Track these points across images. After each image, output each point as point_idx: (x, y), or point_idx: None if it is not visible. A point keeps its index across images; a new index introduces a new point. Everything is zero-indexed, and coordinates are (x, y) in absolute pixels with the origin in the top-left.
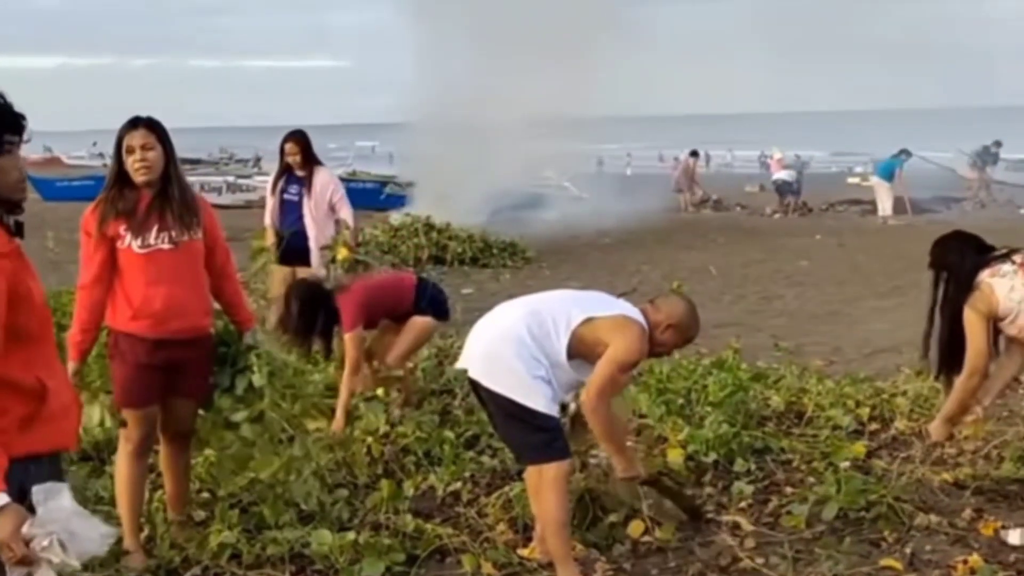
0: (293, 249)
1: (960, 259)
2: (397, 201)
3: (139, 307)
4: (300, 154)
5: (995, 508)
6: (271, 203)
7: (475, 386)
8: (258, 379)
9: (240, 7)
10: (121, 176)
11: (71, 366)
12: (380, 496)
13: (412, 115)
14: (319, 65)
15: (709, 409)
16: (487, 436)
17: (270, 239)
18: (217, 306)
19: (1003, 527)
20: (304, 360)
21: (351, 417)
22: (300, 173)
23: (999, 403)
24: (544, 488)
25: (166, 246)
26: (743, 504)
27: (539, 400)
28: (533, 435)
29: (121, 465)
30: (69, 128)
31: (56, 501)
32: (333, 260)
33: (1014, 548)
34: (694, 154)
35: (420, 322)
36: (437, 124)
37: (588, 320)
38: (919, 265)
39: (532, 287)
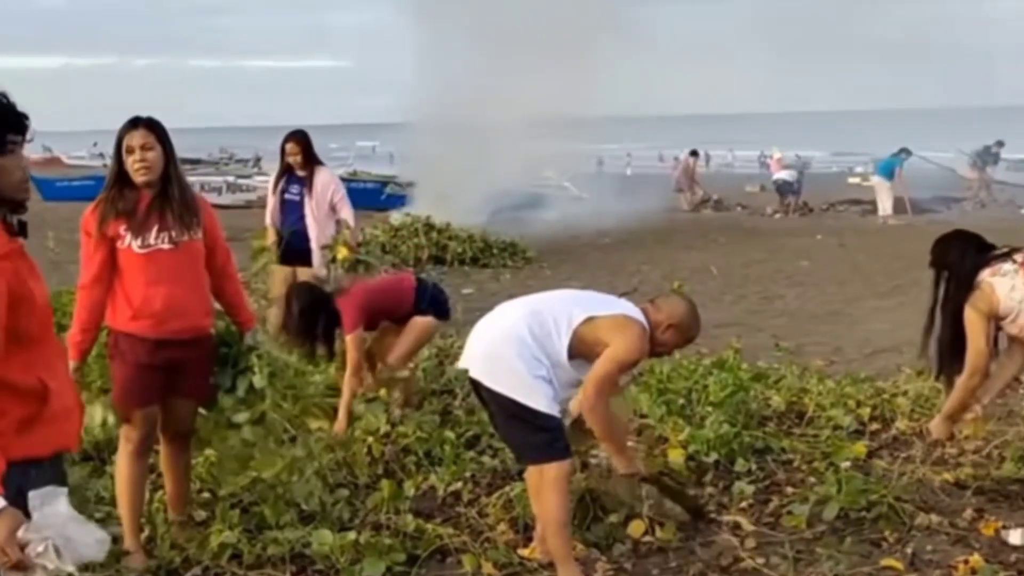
0: (294, 249)
1: (961, 258)
2: (397, 201)
3: (139, 307)
4: (301, 154)
5: (996, 508)
6: (272, 203)
7: (476, 386)
8: (259, 380)
9: (240, 7)
10: (121, 176)
11: (71, 366)
12: (381, 496)
13: (412, 115)
14: (319, 65)
15: (710, 409)
16: (488, 436)
17: (270, 238)
18: (218, 306)
19: (1004, 527)
20: (306, 361)
21: (352, 417)
22: (301, 173)
23: (999, 403)
24: (545, 488)
25: (166, 246)
26: (744, 504)
27: (540, 400)
28: (534, 435)
29: (121, 465)
30: (69, 128)
31: (52, 507)
32: (333, 260)
33: (1015, 548)
34: (694, 154)
35: (421, 322)
36: (437, 124)
37: (589, 319)
38: (919, 265)
39: (532, 287)
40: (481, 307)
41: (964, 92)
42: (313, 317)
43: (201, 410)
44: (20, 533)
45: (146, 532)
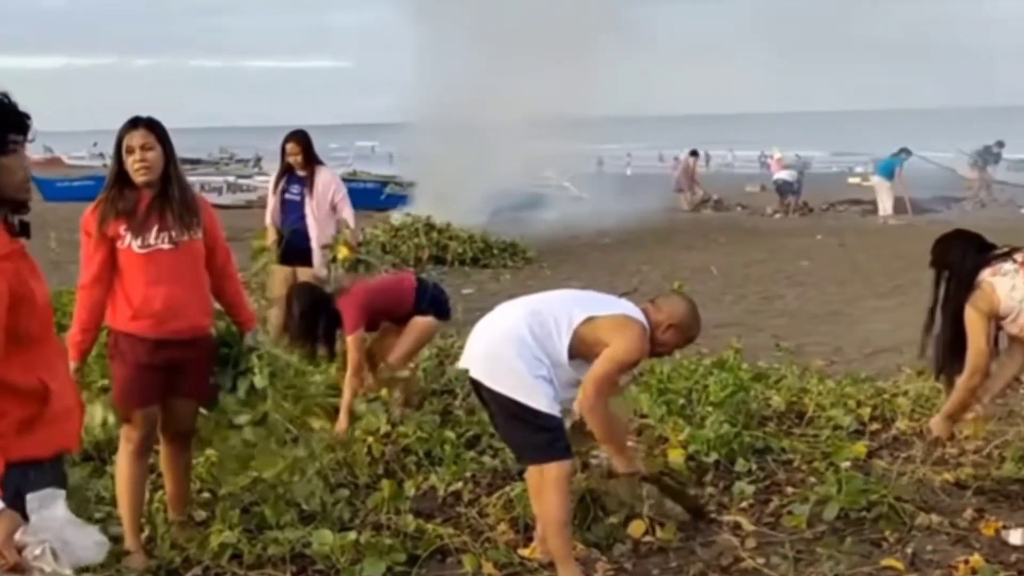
0: (294, 249)
1: (961, 258)
2: (398, 201)
3: (139, 307)
4: (302, 154)
5: (996, 508)
6: (272, 202)
7: (477, 386)
8: (259, 381)
9: (241, 7)
10: (121, 176)
11: (71, 366)
12: (381, 496)
13: (412, 115)
14: (319, 65)
15: (710, 409)
16: (488, 436)
17: (271, 238)
18: (218, 306)
19: (1004, 527)
20: (307, 362)
21: (352, 417)
22: (301, 173)
23: (1000, 403)
24: (546, 488)
25: (166, 246)
26: (744, 504)
27: (541, 400)
28: (535, 435)
29: (122, 465)
30: (70, 128)
31: (50, 509)
32: (334, 259)
33: (1015, 548)
34: (694, 154)
35: (422, 322)
36: (437, 124)
37: (589, 319)
38: (920, 265)
39: (532, 287)
40: (481, 307)
41: (964, 92)
42: (314, 318)
43: (202, 410)
44: (18, 536)
45: (146, 532)
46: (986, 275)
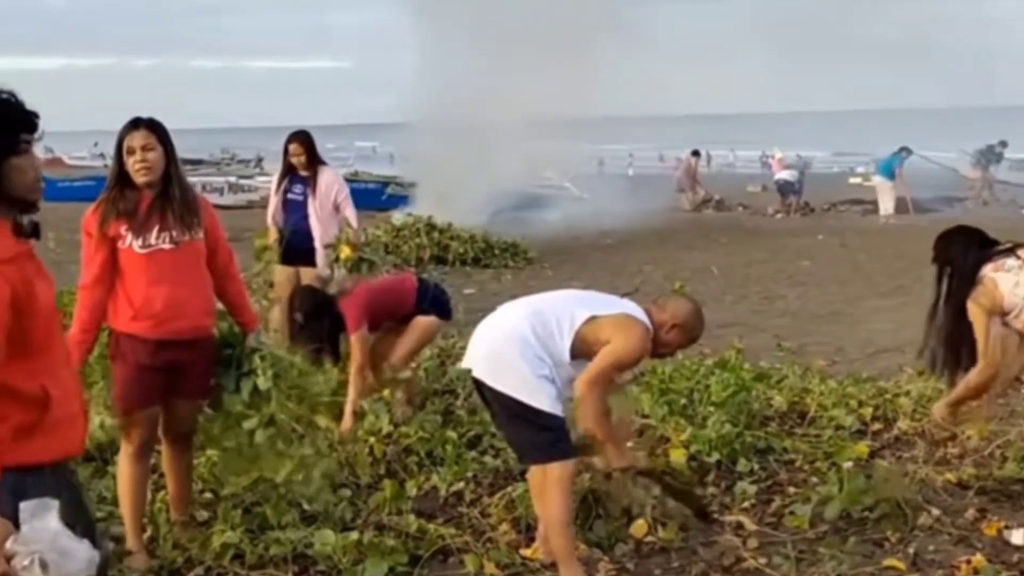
0: (295, 249)
1: (963, 253)
2: (399, 201)
3: (140, 307)
4: (304, 154)
5: (998, 508)
6: (274, 202)
7: (479, 386)
8: (263, 382)
9: (241, 7)
10: (122, 177)
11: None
12: (383, 496)
13: (413, 115)
14: (320, 66)
15: (712, 409)
16: (490, 436)
17: (272, 236)
18: (220, 307)
19: (1006, 527)
20: (310, 363)
21: (356, 417)
22: (304, 173)
23: (1001, 403)
24: (548, 488)
25: (167, 246)
26: (746, 504)
27: (543, 400)
28: (538, 435)
29: (123, 466)
30: (70, 128)
31: (42, 520)
32: (337, 259)
33: (1017, 548)
34: (696, 154)
35: (423, 322)
36: (438, 124)
37: (591, 319)
38: (921, 264)
39: (534, 287)
40: (483, 307)
41: (965, 92)
42: (318, 322)
43: (208, 410)
44: (8, 544)
45: (148, 532)
46: (988, 271)
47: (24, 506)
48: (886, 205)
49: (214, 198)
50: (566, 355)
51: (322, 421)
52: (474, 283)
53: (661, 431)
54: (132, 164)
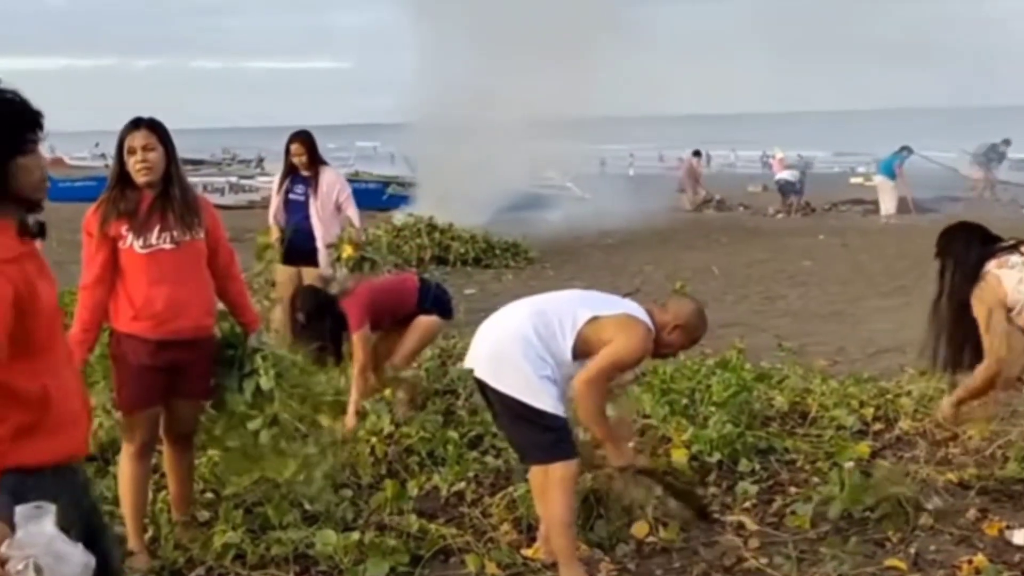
0: (297, 249)
1: (966, 249)
2: (400, 201)
3: (141, 307)
4: (306, 154)
5: (1000, 508)
6: (275, 202)
7: (482, 386)
8: (265, 382)
9: (241, 8)
10: (123, 177)
11: None
12: (384, 496)
13: (414, 116)
14: (320, 66)
15: (713, 409)
16: (491, 436)
17: (274, 236)
18: (222, 308)
19: (1008, 527)
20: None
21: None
22: (306, 173)
23: (1003, 403)
24: (551, 488)
25: (168, 246)
26: (747, 504)
27: (546, 400)
28: (541, 435)
29: (124, 466)
30: (72, 129)
31: (37, 524)
32: (339, 258)
33: (1019, 548)
34: (697, 154)
35: (425, 321)
36: (439, 124)
37: (593, 320)
38: (922, 264)
39: (535, 288)
40: (484, 307)
41: (967, 92)
42: (320, 322)
43: (211, 411)
44: (3, 548)
45: (150, 532)
46: (992, 267)
47: (20, 510)
48: (887, 205)
49: (215, 198)
50: (568, 355)
51: (325, 420)
52: (475, 283)
53: (662, 431)
54: (133, 164)
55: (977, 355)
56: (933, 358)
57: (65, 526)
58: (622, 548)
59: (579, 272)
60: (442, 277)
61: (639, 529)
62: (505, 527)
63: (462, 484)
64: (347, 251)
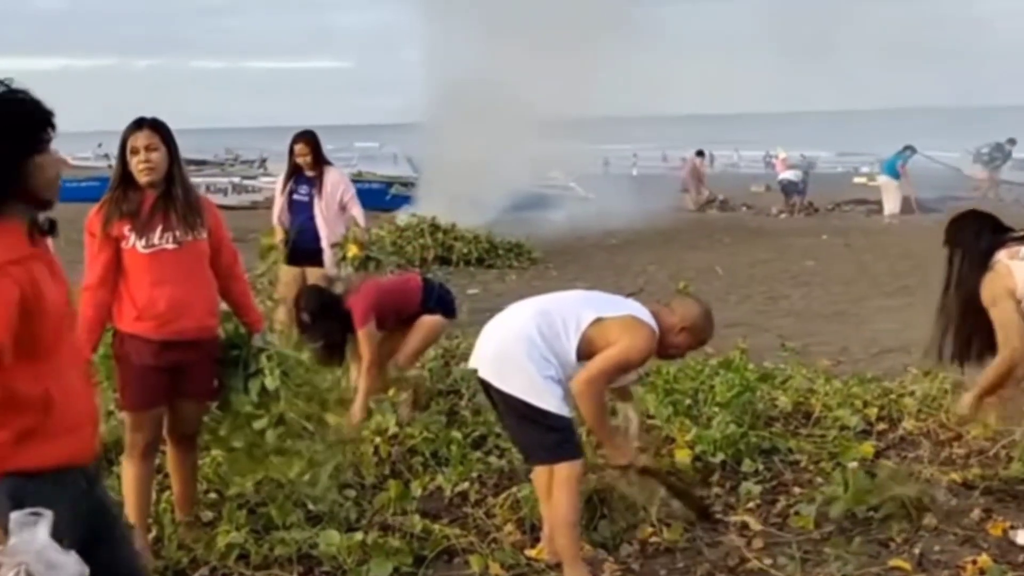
0: (301, 250)
1: (976, 237)
2: (402, 201)
3: (143, 308)
4: (311, 154)
5: (1004, 508)
6: (279, 203)
7: (486, 386)
8: (271, 382)
9: (242, 8)
10: (125, 177)
11: None
12: (388, 497)
13: (418, 116)
14: (322, 66)
15: (716, 409)
16: (494, 436)
17: (278, 237)
18: (225, 308)
19: (1012, 527)
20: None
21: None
22: (310, 173)
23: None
24: (556, 488)
25: (170, 246)
26: (751, 504)
27: (550, 401)
28: (545, 435)
29: (128, 466)
30: (74, 129)
31: (31, 532)
32: (344, 258)
33: (1023, 548)
34: (700, 154)
35: (429, 321)
36: (442, 124)
37: (598, 321)
38: (926, 264)
39: (538, 288)
40: (487, 307)
41: (970, 91)
42: (324, 321)
43: (217, 411)
44: None
45: (153, 533)
46: (1002, 257)
47: (15, 516)
48: (891, 205)
49: (218, 199)
50: (572, 356)
51: (331, 418)
52: (478, 283)
53: (666, 431)
54: (135, 164)
55: (985, 346)
56: (940, 349)
57: (60, 534)
58: (626, 548)
59: (582, 272)
60: (445, 277)
61: (642, 529)
62: (509, 527)
63: (466, 484)
64: (352, 251)
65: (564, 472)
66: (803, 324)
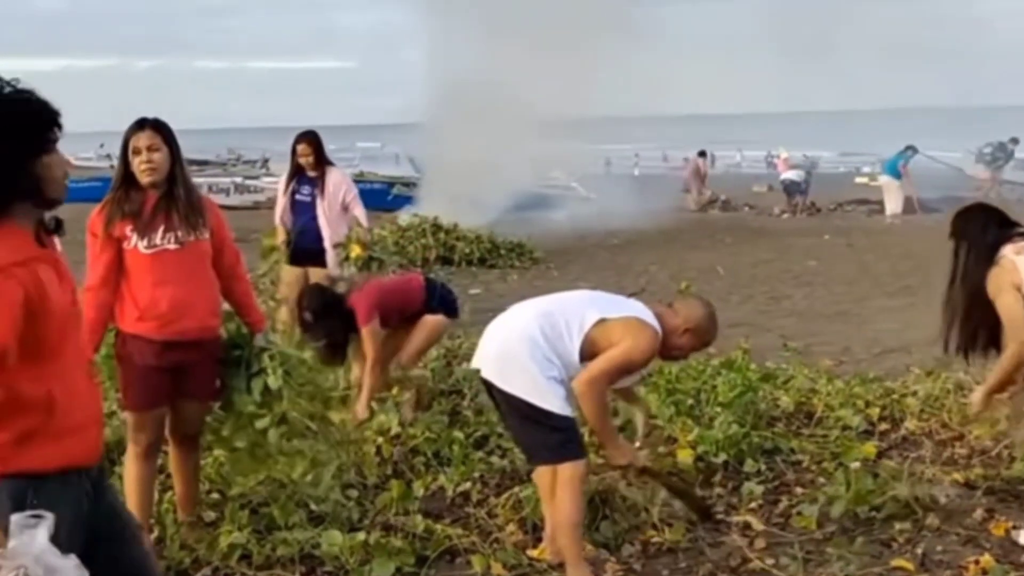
0: (303, 250)
1: (982, 231)
2: (404, 202)
3: (145, 308)
4: (313, 155)
5: (1006, 508)
6: (282, 203)
7: (489, 387)
8: (273, 381)
9: (243, 8)
10: (127, 177)
11: None
12: (390, 497)
13: (419, 116)
14: (323, 66)
15: (719, 409)
16: (496, 436)
17: (280, 237)
18: (227, 307)
19: (1014, 527)
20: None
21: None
22: (312, 174)
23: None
24: (559, 488)
25: (172, 246)
26: (753, 505)
27: (553, 401)
28: (549, 436)
29: (130, 466)
30: (76, 130)
31: (30, 535)
32: (347, 258)
33: None
34: (702, 154)
35: (432, 320)
36: (444, 125)
37: (601, 322)
38: (928, 264)
39: (540, 288)
40: (489, 307)
41: (972, 91)
42: (327, 320)
43: (219, 412)
44: None
45: (156, 533)
46: (1009, 252)
47: (15, 518)
48: (893, 205)
49: (220, 199)
50: (575, 356)
51: (335, 416)
52: (480, 283)
53: (668, 431)
54: (137, 164)
55: (991, 339)
56: (945, 343)
57: (62, 537)
58: (628, 548)
59: (584, 272)
60: (447, 277)
61: (645, 530)
62: (511, 527)
63: (468, 484)
64: (356, 251)
65: (568, 472)
66: (805, 324)
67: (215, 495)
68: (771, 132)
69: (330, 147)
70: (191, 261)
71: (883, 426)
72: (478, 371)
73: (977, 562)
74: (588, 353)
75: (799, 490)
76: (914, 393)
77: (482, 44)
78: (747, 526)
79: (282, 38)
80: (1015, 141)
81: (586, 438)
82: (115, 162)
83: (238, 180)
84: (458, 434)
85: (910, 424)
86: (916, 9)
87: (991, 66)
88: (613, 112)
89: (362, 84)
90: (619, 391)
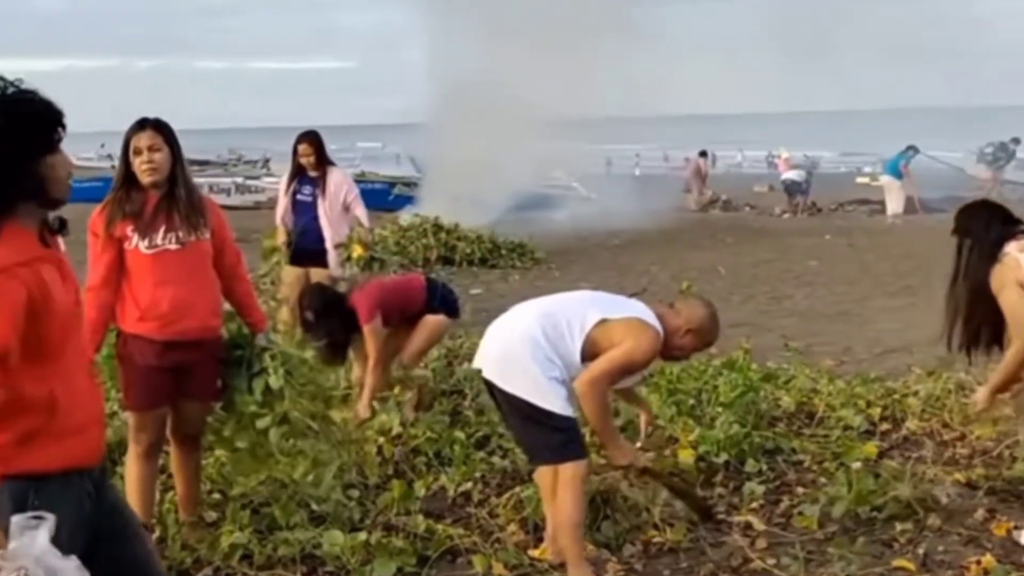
0: (304, 250)
1: (985, 228)
2: (405, 202)
3: (146, 308)
4: (314, 155)
5: (1008, 508)
6: (283, 203)
7: (490, 387)
8: (275, 381)
9: (244, 8)
10: (128, 177)
11: None
12: (391, 497)
13: (420, 116)
14: (324, 66)
15: (720, 410)
16: (497, 437)
17: (281, 238)
18: (228, 308)
19: (1016, 527)
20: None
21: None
22: (313, 174)
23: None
24: (561, 488)
25: (173, 246)
26: (754, 505)
27: (555, 401)
28: (550, 436)
29: (131, 466)
30: (77, 130)
31: (31, 536)
32: (348, 258)
33: None
34: (703, 154)
35: (433, 320)
36: (445, 125)
37: (602, 322)
38: (929, 264)
39: (541, 288)
40: (490, 308)
41: (970, 91)
42: (328, 319)
43: (219, 411)
44: None
45: (157, 533)
46: (1012, 249)
47: (16, 519)
48: (894, 205)
49: (221, 199)
50: (577, 357)
51: (336, 416)
52: (481, 283)
53: (669, 431)
54: (139, 165)
55: (994, 337)
56: (948, 340)
57: (64, 538)
58: (629, 548)
59: (585, 272)
60: (448, 277)
61: (646, 530)
62: (512, 527)
63: (469, 484)
64: (357, 251)
65: (569, 472)
66: (806, 324)
67: (216, 495)
68: (772, 132)
69: (331, 147)
70: (192, 261)
71: (884, 426)
72: (479, 371)
73: (979, 562)
74: (589, 353)
75: (800, 490)
76: (915, 393)
77: (483, 44)
78: (748, 526)
79: (283, 38)
80: (1016, 141)
81: (587, 438)
82: (116, 162)
83: (239, 180)
84: (459, 434)
85: (911, 424)
86: (916, 9)
87: (992, 66)
88: (614, 112)
89: (363, 84)
90: (620, 391)
